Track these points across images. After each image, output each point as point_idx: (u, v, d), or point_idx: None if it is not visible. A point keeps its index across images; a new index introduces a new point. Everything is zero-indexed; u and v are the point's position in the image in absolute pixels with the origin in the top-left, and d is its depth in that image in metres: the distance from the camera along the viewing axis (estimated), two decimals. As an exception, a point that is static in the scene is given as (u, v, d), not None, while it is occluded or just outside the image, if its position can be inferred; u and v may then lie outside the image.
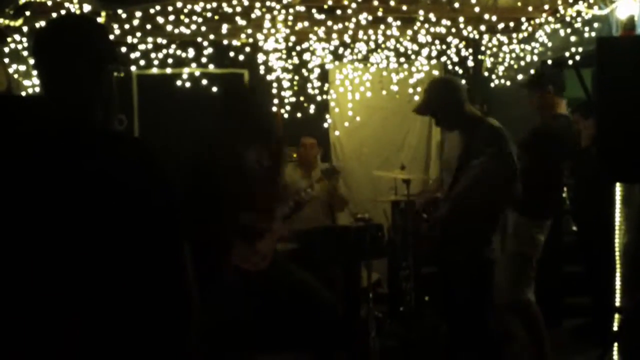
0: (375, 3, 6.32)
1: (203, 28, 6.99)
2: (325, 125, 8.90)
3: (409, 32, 7.63)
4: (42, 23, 5.50)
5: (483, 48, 8.49)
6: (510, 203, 4.99)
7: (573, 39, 6.59)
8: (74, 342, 2.00)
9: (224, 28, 7.02)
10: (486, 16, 6.70)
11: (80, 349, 2.00)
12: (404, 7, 6.50)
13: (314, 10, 6.64)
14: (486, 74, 8.54)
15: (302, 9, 6.50)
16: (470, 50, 8.58)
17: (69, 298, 1.99)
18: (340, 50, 8.58)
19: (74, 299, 1.99)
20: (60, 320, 1.99)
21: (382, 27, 7.40)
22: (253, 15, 6.57)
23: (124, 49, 7.40)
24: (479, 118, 4.80)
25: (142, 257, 2.07)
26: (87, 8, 5.49)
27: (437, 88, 4.89)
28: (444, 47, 8.47)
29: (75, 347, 2.00)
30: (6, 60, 6.33)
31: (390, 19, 7.08)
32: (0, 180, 2.02)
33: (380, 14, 6.79)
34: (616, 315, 5.44)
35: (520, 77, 7.63)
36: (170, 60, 7.96)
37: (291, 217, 5.58)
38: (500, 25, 7.46)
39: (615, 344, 5.24)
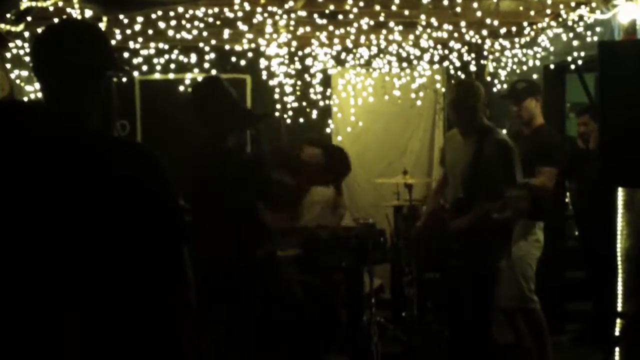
0: (377, 8, 6.31)
1: (205, 33, 6.99)
2: (328, 130, 8.90)
3: (411, 36, 7.63)
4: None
5: (485, 53, 8.49)
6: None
7: (575, 43, 6.58)
8: (72, 339, 2.01)
9: (226, 33, 7.01)
10: (488, 21, 6.68)
11: (78, 346, 2.01)
12: (406, 12, 6.48)
13: (315, 15, 6.63)
14: (489, 78, 8.53)
15: (303, 14, 6.49)
16: (473, 55, 8.57)
17: (72, 295, 2.02)
18: (343, 55, 8.59)
19: (76, 296, 2.02)
20: (59, 317, 2.01)
21: (384, 32, 7.39)
22: (255, 20, 6.56)
23: (126, 55, 7.41)
24: (488, 128, 4.87)
25: (142, 258, 2.09)
26: (88, 13, 5.49)
27: (454, 91, 4.95)
28: (446, 51, 8.46)
29: (73, 344, 2.01)
30: (8, 65, 6.33)
31: (392, 24, 7.07)
32: (4, 183, 2.04)
33: (382, 18, 6.78)
34: (618, 321, 5.43)
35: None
36: (172, 66, 7.97)
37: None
38: (503, 30, 7.45)
39: (617, 349, 5.23)
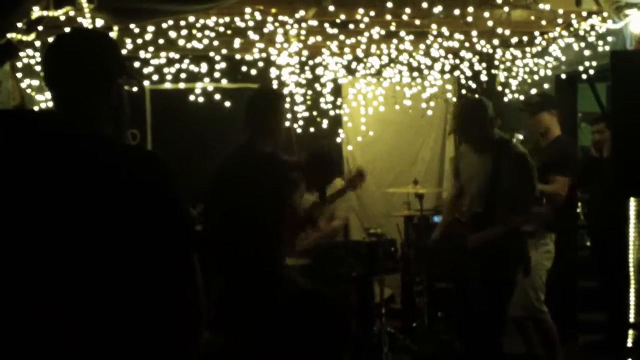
0: (388, 17, 6.30)
1: (216, 42, 6.99)
2: (338, 139, 8.90)
3: (422, 46, 7.61)
4: (55, 38, 5.52)
5: (496, 62, 8.46)
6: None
7: (587, 52, 6.56)
8: (79, 346, 2.01)
9: (237, 42, 7.02)
10: (499, 30, 6.67)
11: (85, 353, 2.01)
12: (417, 21, 6.47)
13: (326, 25, 6.63)
14: (500, 88, 8.50)
15: (314, 23, 6.49)
16: (484, 65, 8.55)
17: (80, 301, 2.02)
18: (353, 64, 8.58)
19: (84, 302, 2.02)
20: (66, 323, 2.00)
21: (395, 41, 7.38)
22: (266, 30, 6.57)
23: (137, 64, 7.42)
24: (504, 141, 4.88)
25: (151, 264, 2.09)
26: (99, 23, 5.49)
27: (464, 109, 4.96)
28: (457, 61, 8.44)
29: (80, 351, 2.01)
30: (19, 75, 6.35)
31: (403, 33, 7.06)
32: (10, 193, 2.04)
33: (393, 28, 6.77)
34: (630, 331, 5.40)
35: (534, 91, 7.59)
36: (183, 75, 7.98)
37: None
38: (514, 39, 7.43)
39: (630, 361, 5.20)
